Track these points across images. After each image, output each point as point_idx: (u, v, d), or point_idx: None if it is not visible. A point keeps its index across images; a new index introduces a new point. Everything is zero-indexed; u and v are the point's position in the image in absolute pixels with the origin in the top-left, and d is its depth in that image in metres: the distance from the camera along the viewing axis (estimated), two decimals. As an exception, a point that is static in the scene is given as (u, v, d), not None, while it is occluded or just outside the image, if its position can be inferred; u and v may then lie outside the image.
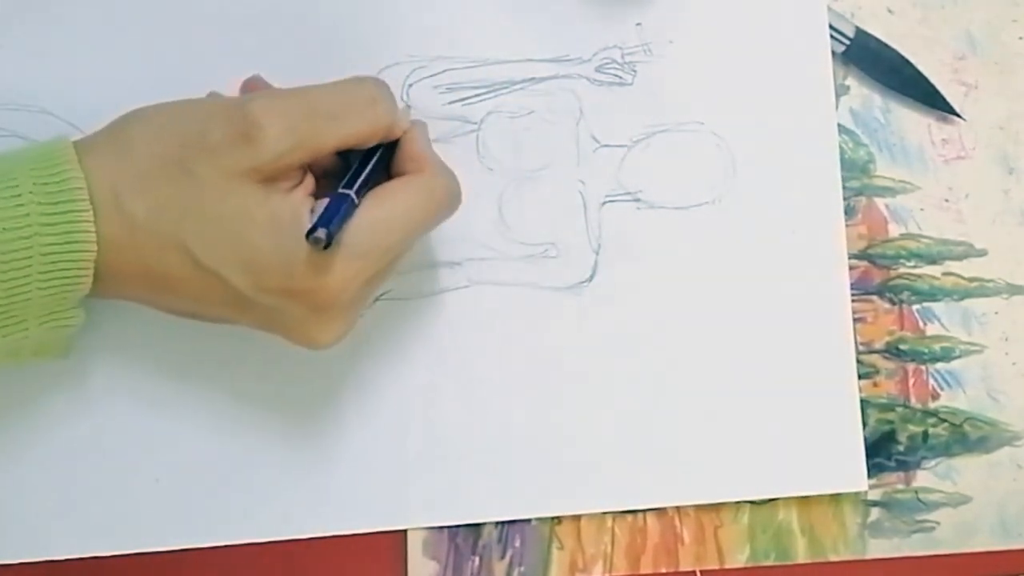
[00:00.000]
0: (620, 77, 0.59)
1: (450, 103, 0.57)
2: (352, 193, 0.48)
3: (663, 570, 0.58)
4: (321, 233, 0.46)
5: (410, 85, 0.57)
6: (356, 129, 0.49)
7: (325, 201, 0.48)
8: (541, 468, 0.57)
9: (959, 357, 0.61)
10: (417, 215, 0.50)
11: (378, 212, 0.48)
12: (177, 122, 0.48)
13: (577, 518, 0.58)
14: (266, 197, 0.47)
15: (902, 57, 0.62)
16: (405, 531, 0.57)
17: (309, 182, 0.49)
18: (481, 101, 0.58)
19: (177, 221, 0.47)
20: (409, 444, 0.56)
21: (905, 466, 0.60)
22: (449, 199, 0.51)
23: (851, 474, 0.58)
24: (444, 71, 0.57)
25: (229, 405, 0.56)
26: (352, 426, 0.56)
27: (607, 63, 0.58)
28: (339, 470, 0.56)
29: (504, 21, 0.58)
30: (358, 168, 0.50)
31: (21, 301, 0.46)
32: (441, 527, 0.57)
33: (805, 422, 0.58)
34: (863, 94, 0.61)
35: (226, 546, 0.55)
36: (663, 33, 0.59)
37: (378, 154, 0.51)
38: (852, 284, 0.60)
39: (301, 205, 0.48)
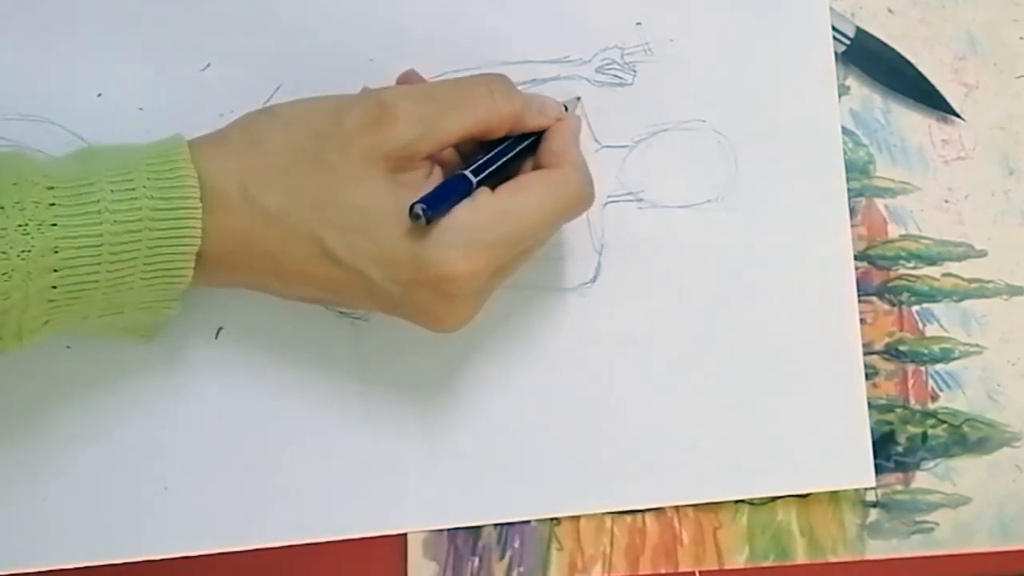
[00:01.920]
0: (621, 77, 0.59)
1: (453, 105, 0.57)
2: (470, 175, 0.49)
3: (662, 571, 0.58)
4: (420, 208, 0.47)
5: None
6: (476, 118, 0.50)
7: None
8: (545, 469, 0.57)
9: (958, 358, 0.61)
10: (547, 209, 0.50)
11: (509, 203, 0.49)
12: (310, 115, 0.50)
13: (576, 519, 0.58)
14: (397, 188, 0.48)
15: (902, 57, 0.62)
16: (405, 532, 0.56)
17: (437, 174, 0.50)
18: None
19: (311, 212, 0.48)
20: (409, 447, 0.56)
21: (904, 467, 0.60)
22: (581, 197, 0.52)
23: (858, 469, 0.59)
24: (446, 73, 0.57)
25: (234, 412, 0.55)
26: (353, 430, 0.56)
27: (607, 63, 0.58)
28: (340, 474, 0.56)
29: (504, 23, 0.58)
30: (484, 156, 0.51)
31: (124, 290, 0.47)
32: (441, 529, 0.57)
33: (812, 418, 0.58)
34: (863, 94, 0.61)
35: (227, 552, 0.55)
36: (663, 32, 0.59)
37: (506, 145, 0.52)
38: (852, 285, 0.60)
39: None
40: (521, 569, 0.57)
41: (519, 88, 0.53)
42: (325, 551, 0.56)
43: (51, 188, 0.45)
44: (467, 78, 0.52)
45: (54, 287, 0.46)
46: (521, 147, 0.52)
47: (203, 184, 0.48)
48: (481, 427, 0.57)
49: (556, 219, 0.51)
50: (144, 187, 0.47)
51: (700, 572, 0.58)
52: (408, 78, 0.55)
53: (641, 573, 0.58)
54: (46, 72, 0.55)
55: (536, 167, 0.52)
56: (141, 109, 0.55)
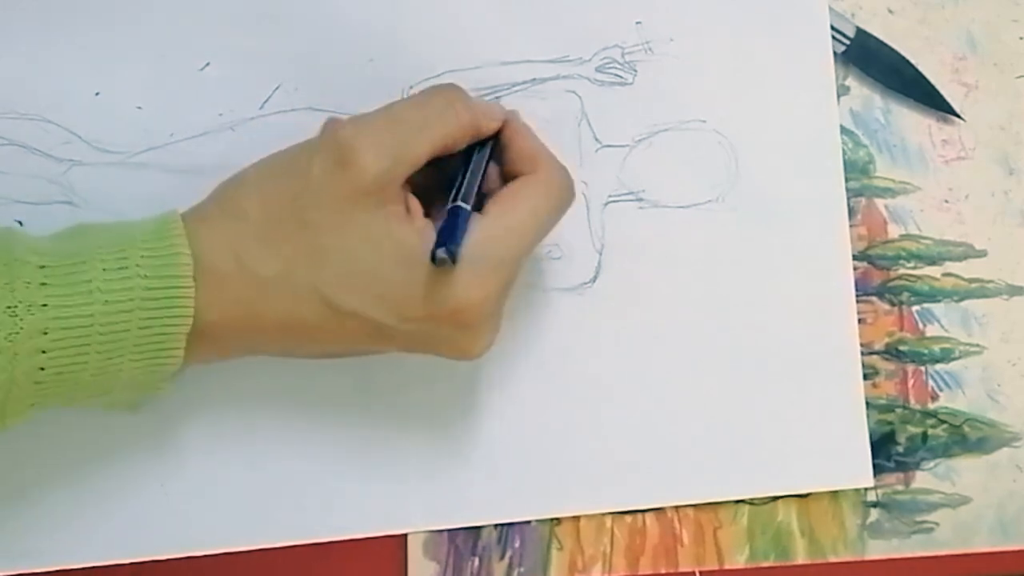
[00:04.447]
0: (621, 77, 0.58)
1: (452, 105, 0.57)
2: (463, 204, 0.49)
3: (662, 571, 0.58)
4: (444, 252, 0.46)
5: (411, 87, 0.57)
6: (442, 133, 0.49)
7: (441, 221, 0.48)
8: (544, 470, 0.57)
9: (958, 358, 0.61)
10: (541, 216, 0.50)
11: (505, 221, 0.49)
12: (277, 176, 0.49)
13: (576, 519, 0.58)
14: (387, 227, 0.47)
15: (902, 57, 0.62)
16: (405, 532, 0.56)
17: (416, 205, 0.49)
18: (483, 103, 0.57)
19: (308, 271, 0.47)
20: (410, 447, 0.56)
21: (904, 467, 0.60)
22: (567, 194, 0.52)
23: (857, 469, 0.59)
24: (445, 73, 0.57)
25: (233, 413, 0.55)
26: (353, 430, 0.56)
27: (608, 63, 0.58)
28: (341, 475, 0.56)
29: (504, 22, 0.58)
30: (462, 177, 0.50)
31: (113, 371, 0.46)
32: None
33: (810, 418, 0.58)
34: (863, 95, 0.61)
35: (228, 553, 0.55)
36: (664, 31, 0.59)
37: (475, 157, 0.51)
38: (852, 285, 0.60)
39: (425, 228, 0.48)
40: (521, 569, 0.57)
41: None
42: (325, 551, 0.56)
43: (43, 267, 0.45)
44: (423, 94, 0.51)
45: (42, 368, 0.44)
46: (489, 156, 0.52)
47: (196, 260, 0.47)
48: (482, 427, 0.57)
49: (551, 221, 0.51)
50: (138, 265, 0.46)
51: (700, 572, 0.58)
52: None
53: (641, 573, 0.58)
54: (44, 71, 0.55)
55: (508, 172, 0.52)
56: (139, 108, 0.55)
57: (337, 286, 0.47)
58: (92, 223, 0.48)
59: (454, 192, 0.49)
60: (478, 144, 0.52)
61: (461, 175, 0.50)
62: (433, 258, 0.46)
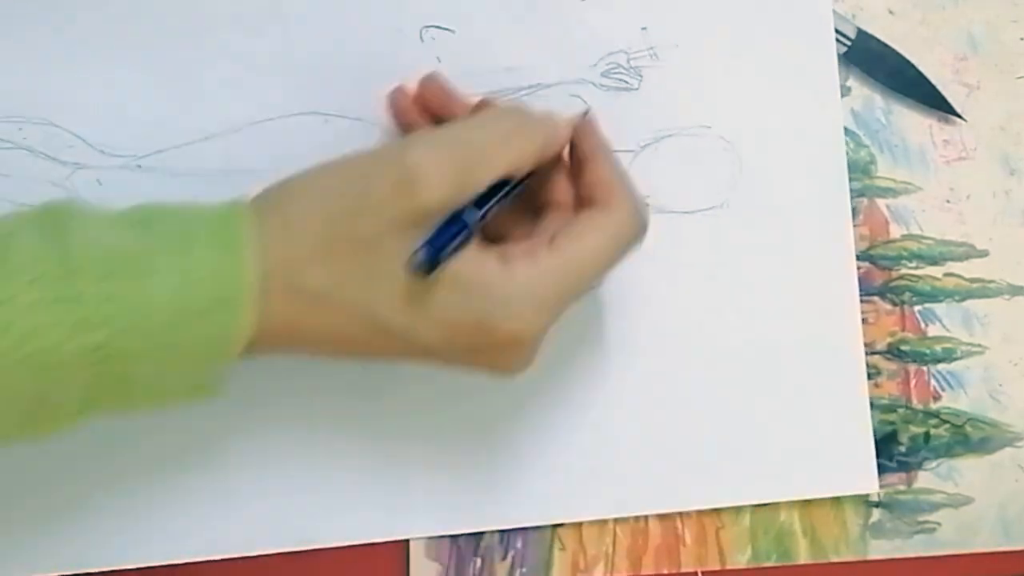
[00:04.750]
0: (626, 82, 0.58)
1: (456, 110, 0.57)
2: (468, 220, 0.47)
3: (664, 571, 0.58)
4: (420, 260, 0.45)
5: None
6: (506, 162, 0.48)
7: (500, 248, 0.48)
8: (547, 475, 0.57)
9: (960, 358, 0.61)
10: (608, 255, 0.49)
11: (569, 256, 0.48)
12: (336, 189, 0.47)
13: (579, 519, 0.58)
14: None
15: (903, 58, 0.62)
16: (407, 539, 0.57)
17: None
18: (487, 108, 0.57)
19: (358, 290, 0.46)
20: (412, 453, 0.56)
21: (906, 467, 0.60)
22: (637, 233, 0.50)
23: (861, 476, 0.59)
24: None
25: (234, 419, 0.55)
26: (356, 437, 0.56)
27: (613, 68, 0.58)
28: (342, 481, 0.56)
29: (509, 27, 0.58)
30: (495, 194, 0.48)
31: (163, 381, 0.46)
32: (444, 530, 0.57)
33: (815, 424, 0.58)
34: (864, 95, 0.61)
35: (228, 559, 0.55)
36: (669, 37, 0.59)
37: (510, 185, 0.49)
38: (854, 286, 0.60)
39: (480, 255, 0.47)
40: (523, 570, 0.57)
41: (522, 99, 0.53)
42: (327, 551, 0.56)
43: (108, 276, 0.43)
44: (491, 116, 0.50)
45: (98, 376, 0.44)
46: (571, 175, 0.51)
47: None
48: (483, 433, 0.57)
49: (615, 261, 0.50)
50: (200, 278, 0.44)
51: (702, 573, 0.58)
52: (432, 83, 0.54)
53: (643, 574, 0.58)
54: (48, 75, 0.55)
55: (584, 197, 0.51)
56: (142, 110, 0.55)
57: (387, 307, 0.46)
58: (157, 208, 0.46)
59: (477, 200, 0.48)
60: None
61: (495, 189, 0.49)
62: (410, 263, 0.45)
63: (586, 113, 0.53)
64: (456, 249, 0.46)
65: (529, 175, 0.50)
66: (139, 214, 0.46)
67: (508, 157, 0.48)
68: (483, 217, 0.47)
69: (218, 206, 0.47)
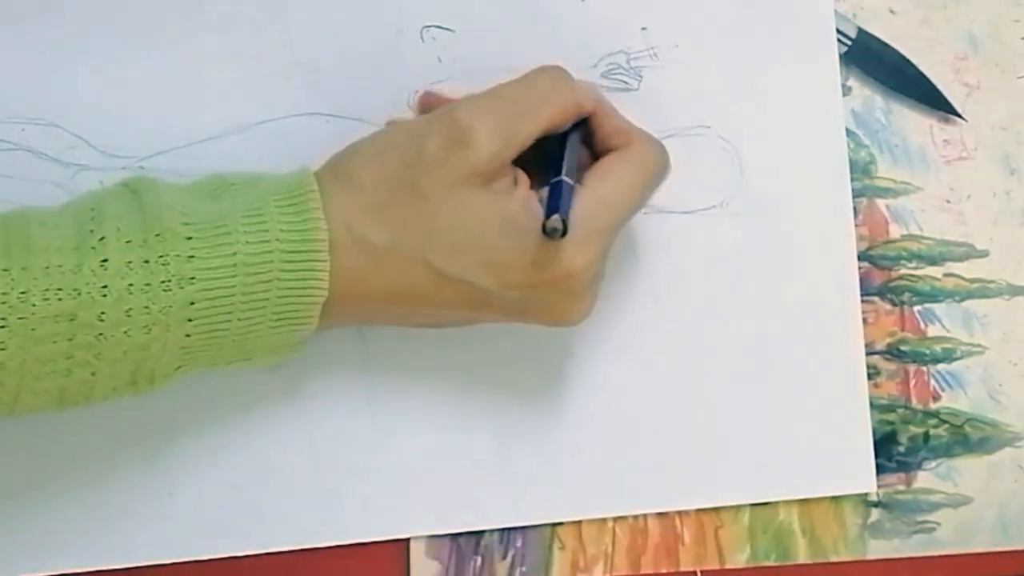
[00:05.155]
0: (626, 82, 0.58)
1: (456, 110, 0.57)
2: (567, 179, 0.50)
3: (664, 570, 0.58)
4: (556, 222, 0.48)
5: (416, 92, 0.57)
6: (549, 114, 0.51)
7: (546, 191, 0.50)
8: (547, 474, 0.57)
9: (960, 358, 0.61)
10: (638, 186, 0.52)
11: (603, 190, 0.51)
12: (392, 147, 0.51)
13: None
14: (494, 199, 0.50)
15: (904, 58, 0.62)
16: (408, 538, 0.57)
17: (523, 177, 0.51)
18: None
19: (418, 239, 0.49)
20: (413, 452, 0.56)
21: (906, 467, 0.60)
22: (662, 166, 0.54)
23: (860, 475, 0.59)
24: (450, 78, 0.57)
25: (237, 418, 0.56)
26: (356, 436, 0.56)
27: (613, 68, 0.58)
28: (342, 481, 0.56)
29: (509, 27, 0.58)
30: (561, 153, 0.52)
31: (253, 338, 0.48)
32: (443, 529, 0.57)
33: (814, 424, 0.59)
34: (865, 95, 0.61)
35: (232, 557, 0.55)
36: (669, 37, 0.59)
37: (571, 134, 0.53)
38: (853, 286, 0.60)
39: (529, 199, 0.50)
40: (523, 568, 0.58)
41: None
42: (327, 549, 0.56)
43: (190, 239, 0.46)
44: (530, 76, 0.52)
45: (188, 335, 0.46)
46: (577, 135, 0.53)
47: None
48: (483, 432, 0.57)
49: (648, 192, 0.53)
50: (278, 240, 0.47)
51: (701, 572, 0.58)
52: (428, 101, 0.56)
53: (643, 573, 0.58)
54: (51, 76, 0.55)
55: (603, 149, 0.53)
56: (145, 111, 0.55)
57: (445, 254, 0.49)
58: (229, 176, 0.50)
59: (557, 167, 0.51)
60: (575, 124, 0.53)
61: (560, 151, 0.52)
62: (544, 229, 0.48)
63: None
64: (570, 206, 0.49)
65: (582, 125, 0.53)
66: (211, 184, 0.50)
67: (549, 112, 0.51)
68: (569, 173, 0.51)
69: (285, 173, 0.50)
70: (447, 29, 0.58)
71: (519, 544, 0.58)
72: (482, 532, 0.57)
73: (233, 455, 0.55)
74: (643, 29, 0.59)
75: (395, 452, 0.56)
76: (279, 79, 0.56)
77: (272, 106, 0.56)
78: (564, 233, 0.48)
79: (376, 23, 0.57)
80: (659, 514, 0.58)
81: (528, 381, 0.57)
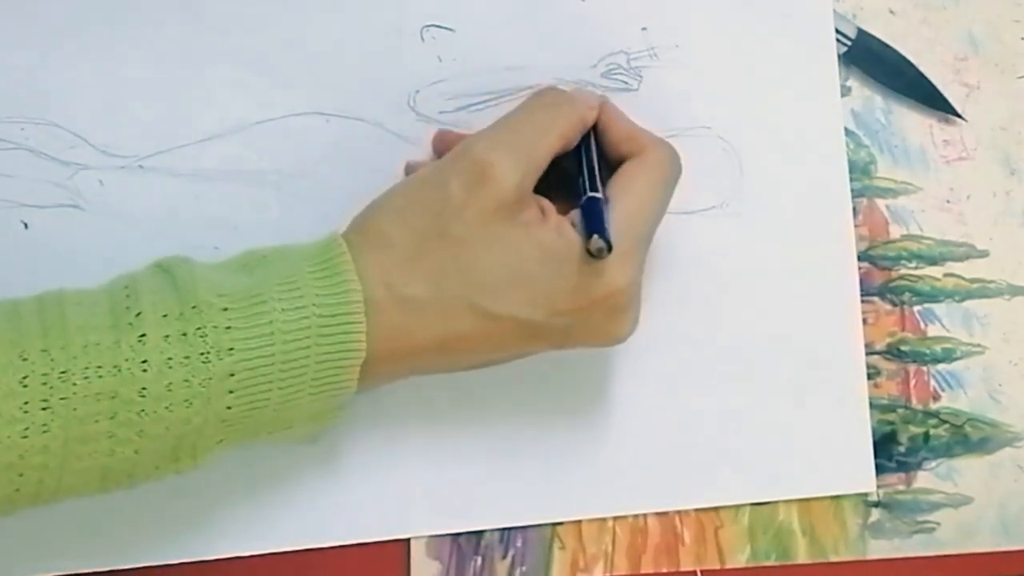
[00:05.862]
0: (626, 83, 0.58)
1: (457, 110, 0.57)
2: (596, 195, 0.51)
3: (664, 570, 0.58)
4: (600, 243, 0.48)
5: (417, 92, 0.57)
6: (559, 133, 0.51)
7: (575, 214, 0.50)
8: (546, 475, 0.57)
9: (960, 358, 0.61)
10: (659, 192, 0.52)
11: (631, 203, 0.51)
12: (415, 197, 0.50)
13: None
14: (528, 231, 0.49)
15: (904, 58, 0.62)
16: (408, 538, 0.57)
17: (548, 205, 0.51)
18: (488, 108, 0.57)
19: (459, 284, 0.49)
20: (413, 452, 0.56)
21: (906, 467, 0.60)
22: (678, 168, 0.54)
23: (859, 475, 0.59)
24: (450, 78, 0.57)
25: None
26: (357, 436, 0.56)
27: (613, 69, 0.58)
28: (343, 481, 0.56)
29: (509, 27, 0.58)
30: (582, 169, 0.52)
31: (293, 406, 0.47)
32: (444, 528, 0.57)
33: (814, 424, 0.59)
34: (864, 95, 0.61)
35: (232, 557, 0.55)
36: (669, 38, 0.59)
37: (584, 148, 0.53)
38: (853, 286, 0.60)
39: (562, 225, 0.50)
40: (523, 568, 0.58)
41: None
42: (327, 551, 0.56)
43: (226, 310, 0.46)
44: (529, 103, 0.53)
45: (228, 408, 0.46)
46: (593, 143, 0.53)
47: None
48: (484, 432, 0.57)
49: (669, 196, 0.53)
50: (314, 304, 0.47)
51: (701, 572, 0.59)
52: (443, 138, 0.56)
53: (643, 572, 0.58)
54: (51, 75, 0.55)
55: (614, 156, 0.53)
56: (145, 111, 0.55)
57: (489, 294, 0.49)
58: (259, 250, 0.49)
59: (585, 183, 0.51)
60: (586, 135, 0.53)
61: (576, 168, 0.52)
62: (589, 251, 0.48)
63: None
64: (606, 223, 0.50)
65: (596, 132, 0.54)
66: (242, 259, 0.49)
67: (558, 131, 0.51)
68: (596, 187, 0.51)
69: (314, 241, 0.49)
70: (447, 29, 0.58)
71: (519, 544, 0.58)
72: (482, 532, 0.57)
73: (229, 456, 0.55)
74: (643, 29, 0.59)
75: (395, 452, 0.56)
76: (278, 78, 0.56)
77: (272, 106, 0.56)
78: (610, 251, 0.48)
79: (376, 23, 0.57)
80: (659, 514, 0.58)
81: (528, 381, 0.57)
